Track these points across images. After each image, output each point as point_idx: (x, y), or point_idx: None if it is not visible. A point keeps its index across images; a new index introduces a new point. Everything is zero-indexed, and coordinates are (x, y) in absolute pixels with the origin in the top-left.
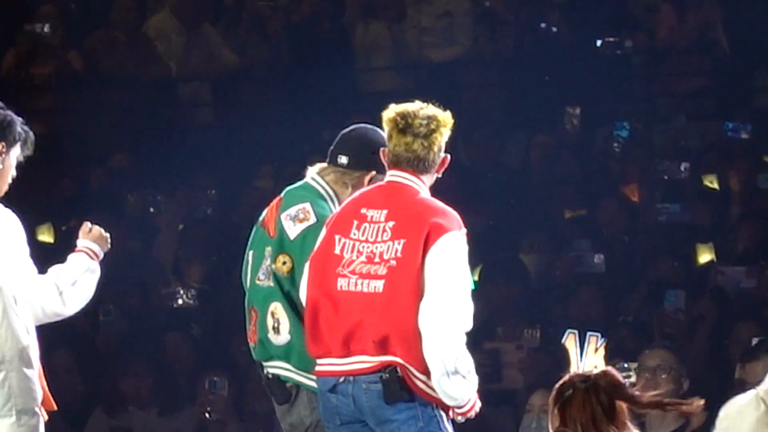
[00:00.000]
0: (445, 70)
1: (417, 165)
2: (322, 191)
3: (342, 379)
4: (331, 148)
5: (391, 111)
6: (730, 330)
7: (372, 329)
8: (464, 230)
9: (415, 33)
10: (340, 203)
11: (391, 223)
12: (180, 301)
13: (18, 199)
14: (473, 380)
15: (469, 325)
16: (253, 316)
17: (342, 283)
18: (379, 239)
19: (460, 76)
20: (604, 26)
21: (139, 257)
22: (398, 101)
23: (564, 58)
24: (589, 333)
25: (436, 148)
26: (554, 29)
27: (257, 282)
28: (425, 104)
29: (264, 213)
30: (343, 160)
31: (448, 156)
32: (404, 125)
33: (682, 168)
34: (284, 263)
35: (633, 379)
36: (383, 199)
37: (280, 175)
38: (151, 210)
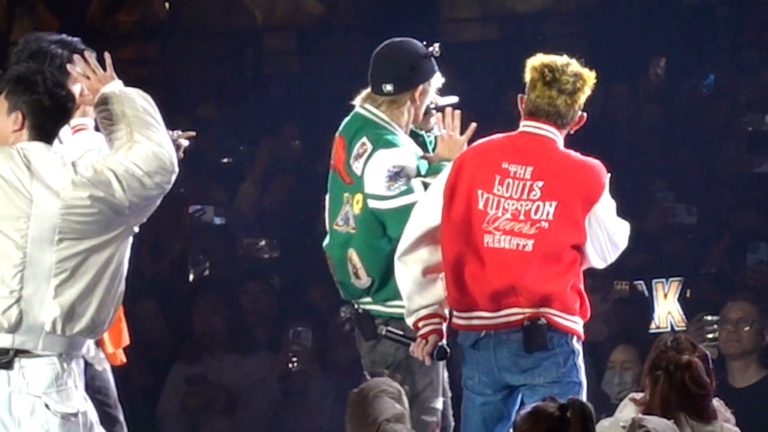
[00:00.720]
0: (529, 20)
1: (556, 119)
2: (379, 120)
3: (483, 333)
4: (371, 74)
5: (538, 60)
6: None
7: (524, 286)
8: (608, 176)
9: None
10: (402, 127)
11: (540, 183)
12: (262, 253)
13: None
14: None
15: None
16: (329, 259)
17: (488, 240)
18: (524, 197)
19: (545, 26)
20: None
21: (222, 208)
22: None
23: (649, 8)
24: (670, 279)
25: (577, 106)
26: None
27: (335, 227)
28: (571, 59)
29: (333, 154)
30: (389, 87)
31: (585, 114)
32: (551, 78)
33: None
34: (358, 202)
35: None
36: (526, 154)
37: None
38: (229, 160)
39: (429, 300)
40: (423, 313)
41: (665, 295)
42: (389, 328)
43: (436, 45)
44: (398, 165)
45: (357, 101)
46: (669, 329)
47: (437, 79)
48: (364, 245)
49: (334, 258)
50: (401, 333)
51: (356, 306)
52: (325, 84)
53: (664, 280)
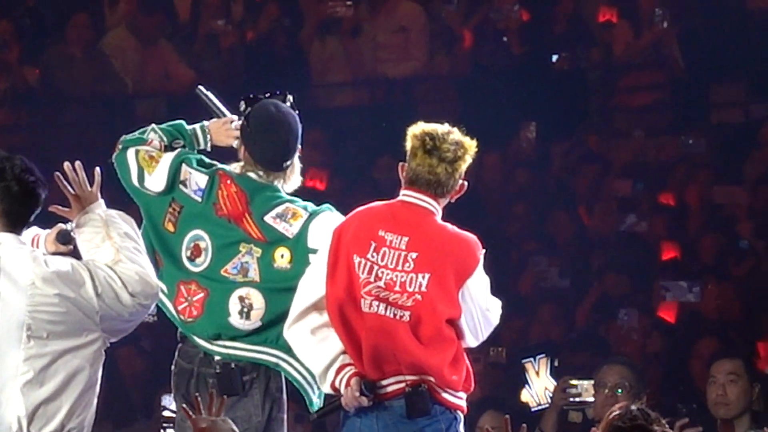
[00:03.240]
0: (399, 85)
1: (436, 188)
2: (280, 191)
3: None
4: (272, 153)
5: (419, 128)
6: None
7: (404, 355)
8: (482, 251)
9: (370, 48)
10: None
11: (414, 254)
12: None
13: None
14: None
15: None
16: (191, 290)
17: (364, 305)
18: (399, 268)
19: (416, 91)
20: (559, 43)
21: None
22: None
23: (520, 73)
24: (537, 357)
25: (457, 175)
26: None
27: (223, 273)
28: (452, 128)
29: (199, 186)
30: (289, 163)
31: (466, 183)
32: (432, 146)
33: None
34: (282, 256)
35: (588, 397)
36: (403, 224)
37: None
38: None
39: (330, 355)
40: (332, 371)
41: (537, 373)
42: (316, 413)
43: (290, 97)
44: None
45: (244, 169)
46: (549, 404)
47: None
48: (272, 293)
49: (209, 289)
50: (326, 404)
51: (212, 361)
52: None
53: (531, 359)
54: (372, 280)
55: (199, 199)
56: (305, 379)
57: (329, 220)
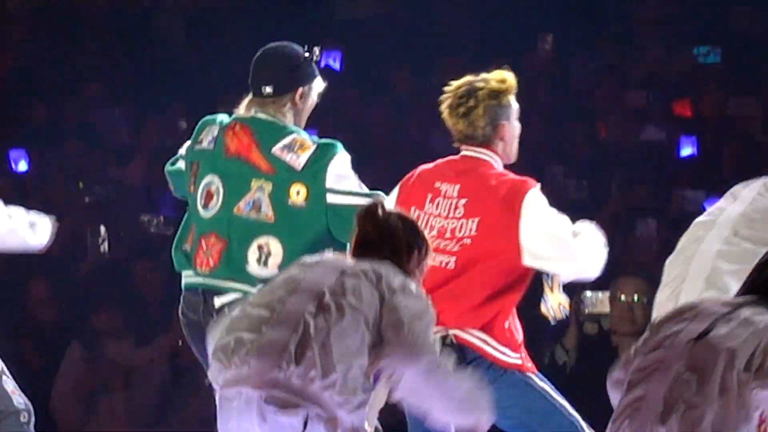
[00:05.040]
0: None
1: (473, 140)
2: (286, 125)
3: None
4: (250, 79)
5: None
6: None
7: (443, 304)
8: (535, 189)
9: None
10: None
11: (463, 201)
12: (152, 229)
13: None
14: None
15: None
16: (211, 242)
17: None
18: (451, 215)
19: (436, 3)
20: None
21: (114, 185)
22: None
23: None
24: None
25: (482, 123)
26: None
27: (235, 212)
28: (475, 76)
29: (212, 137)
30: (268, 89)
31: (505, 123)
32: (448, 104)
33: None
34: (298, 192)
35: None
36: (456, 174)
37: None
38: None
39: None
40: None
41: (551, 289)
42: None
43: (316, 49)
44: (349, 162)
45: (241, 110)
46: (564, 317)
47: (318, 83)
48: (290, 237)
49: (227, 239)
50: None
51: (215, 301)
52: (215, 64)
53: (545, 275)
54: (427, 231)
55: (212, 147)
56: None
57: (346, 160)
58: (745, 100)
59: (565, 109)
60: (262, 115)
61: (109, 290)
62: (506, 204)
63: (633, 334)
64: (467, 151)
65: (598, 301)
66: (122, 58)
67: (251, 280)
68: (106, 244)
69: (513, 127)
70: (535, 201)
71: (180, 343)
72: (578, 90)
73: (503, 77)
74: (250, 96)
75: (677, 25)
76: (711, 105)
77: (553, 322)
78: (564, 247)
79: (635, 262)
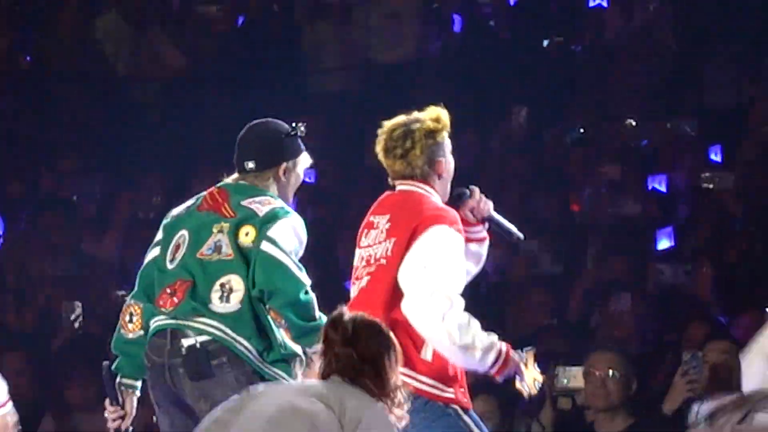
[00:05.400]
0: (393, 71)
1: (411, 178)
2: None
3: None
4: (235, 157)
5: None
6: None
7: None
8: (458, 227)
9: (362, 33)
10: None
11: (387, 225)
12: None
13: None
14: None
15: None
16: (176, 286)
17: (353, 290)
18: (377, 242)
19: (408, 76)
20: (551, 26)
21: (88, 258)
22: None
23: (511, 58)
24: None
25: (420, 162)
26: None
27: (199, 257)
28: (409, 117)
29: (188, 205)
30: (251, 164)
31: (442, 159)
32: (383, 147)
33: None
34: (247, 234)
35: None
36: (389, 205)
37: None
38: (98, 212)
39: None
40: None
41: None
42: None
43: (301, 125)
44: (301, 238)
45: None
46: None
47: (304, 159)
48: (245, 274)
49: (192, 279)
50: None
51: (183, 342)
52: (187, 136)
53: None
54: (358, 263)
55: (186, 210)
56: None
57: (301, 227)
58: (719, 174)
59: (539, 181)
60: (243, 182)
61: (83, 364)
62: (415, 228)
63: (607, 410)
64: (403, 186)
65: (572, 377)
66: (97, 130)
67: (215, 317)
68: (80, 318)
69: (448, 162)
70: (435, 235)
71: (154, 419)
72: (552, 162)
73: (438, 115)
74: (235, 174)
75: (651, 97)
76: (685, 178)
77: (527, 398)
78: (425, 286)
79: (609, 336)
